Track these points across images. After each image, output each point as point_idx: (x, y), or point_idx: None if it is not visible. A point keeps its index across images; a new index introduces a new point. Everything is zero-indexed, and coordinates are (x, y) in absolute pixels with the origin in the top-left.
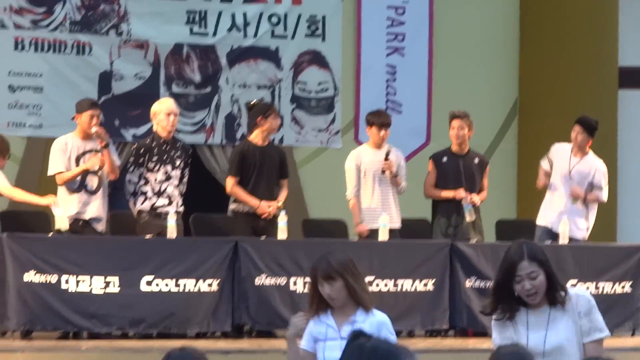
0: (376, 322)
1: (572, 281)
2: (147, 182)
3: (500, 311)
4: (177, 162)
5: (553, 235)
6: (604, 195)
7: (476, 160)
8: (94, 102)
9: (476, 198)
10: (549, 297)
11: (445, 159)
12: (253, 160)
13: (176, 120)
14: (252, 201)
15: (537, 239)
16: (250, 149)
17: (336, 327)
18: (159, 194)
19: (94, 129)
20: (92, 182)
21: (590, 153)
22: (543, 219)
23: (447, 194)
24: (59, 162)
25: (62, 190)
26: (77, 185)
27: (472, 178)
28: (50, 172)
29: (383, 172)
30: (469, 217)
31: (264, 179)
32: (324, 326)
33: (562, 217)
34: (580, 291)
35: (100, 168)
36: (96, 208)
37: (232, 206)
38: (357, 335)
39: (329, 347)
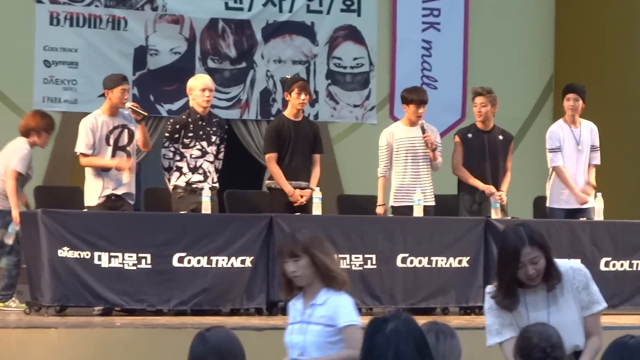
0: (334, 305)
1: (607, 258)
2: (182, 157)
3: (503, 296)
4: (213, 138)
5: (571, 215)
6: (599, 158)
7: (501, 137)
8: (124, 77)
9: (504, 195)
10: (545, 278)
11: (470, 135)
12: (287, 135)
13: (212, 95)
14: (287, 187)
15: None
16: (284, 123)
17: (303, 309)
18: (194, 169)
19: (128, 104)
20: (122, 158)
21: (581, 119)
22: (561, 201)
23: (475, 182)
24: (86, 141)
25: (90, 170)
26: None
27: (497, 155)
28: (77, 150)
29: (426, 145)
30: (494, 214)
31: (299, 153)
32: (294, 309)
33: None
34: (575, 265)
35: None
36: (127, 183)
37: (268, 182)
38: (376, 322)
39: (294, 330)
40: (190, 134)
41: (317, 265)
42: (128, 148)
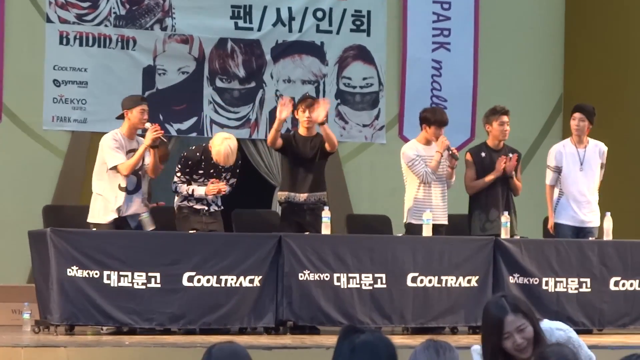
0: None
1: (616, 278)
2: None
3: None
4: (224, 174)
5: (578, 232)
6: (601, 175)
7: (511, 155)
8: (142, 97)
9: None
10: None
11: (483, 154)
12: (295, 147)
13: (230, 161)
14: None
15: (561, 237)
16: (295, 136)
17: None
18: (199, 200)
19: (147, 124)
20: (131, 181)
21: (589, 139)
22: (565, 217)
23: (490, 176)
24: (119, 154)
25: (104, 189)
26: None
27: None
28: (112, 164)
29: (454, 157)
30: (504, 233)
31: (304, 166)
32: None
33: (588, 209)
34: (561, 337)
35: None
36: (135, 207)
37: (280, 193)
38: (349, 331)
39: None
40: (201, 172)
41: None
42: (139, 172)
